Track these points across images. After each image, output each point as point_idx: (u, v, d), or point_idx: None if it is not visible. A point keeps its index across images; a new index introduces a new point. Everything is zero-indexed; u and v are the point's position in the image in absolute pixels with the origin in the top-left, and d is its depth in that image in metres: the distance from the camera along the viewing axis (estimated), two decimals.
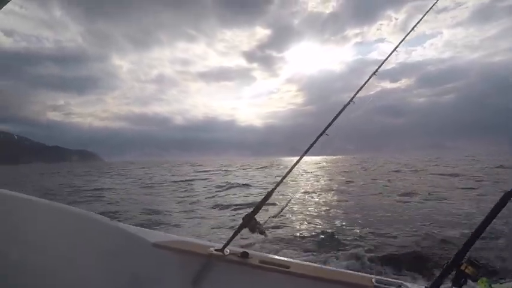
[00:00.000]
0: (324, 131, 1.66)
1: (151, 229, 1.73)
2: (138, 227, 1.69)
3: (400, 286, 1.38)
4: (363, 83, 1.80)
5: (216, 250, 1.49)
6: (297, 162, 1.65)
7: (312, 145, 1.65)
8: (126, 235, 1.60)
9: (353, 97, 1.75)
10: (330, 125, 1.67)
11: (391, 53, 2.04)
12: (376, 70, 1.91)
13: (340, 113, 1.71)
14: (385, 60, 2.03)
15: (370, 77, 1.87)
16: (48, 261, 1.59)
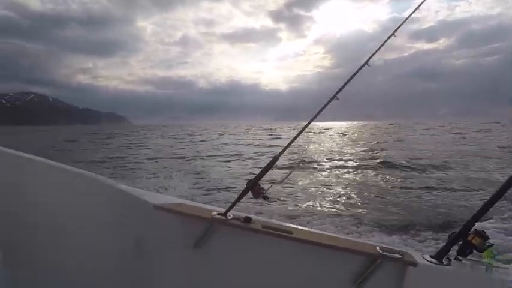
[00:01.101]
0: (334, 96, 1.52)
1: (154, 192, 1.74)
2: (141, 190, 1.69)
3: (403, 254, 1.35)
4: (382, 43, 1.59)
5: (218, 214, 1.47)
6: (305, 127, 1.54)
7: (320, 110, 1.52)
8: (129, 197, 1.60)
9: (367, 60, 1.55)
10: (341, 89, 1.52)
11: (418, 7, 1.76)
12: (394, 32, 1.66)
13: (353, 76, 1.54)
14: (408, 17, 1.74)
15: (388, 38, 1.64)
16: (53, 220, 1.64)
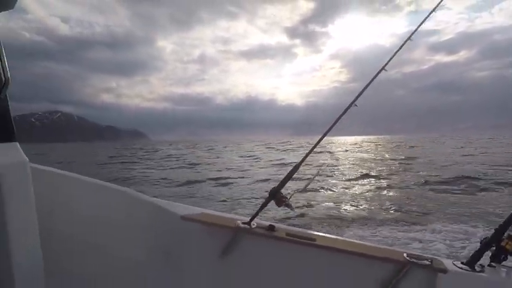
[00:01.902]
0: (353, 102, 1.53)
1: (179, 202, 1.80)
2: (167, 201, 1.76)
3: (432, 261, 1.30)
4: (398, 48, 1.60)
5: (243, 223, 1.50)
6: (324, 134, 1.55)
7: (340, 117, 1.53)
8: (157, 209, 1.67)
9: (385, 65, 1.55)
10: (359, 95, 1.53)
11: (430, 13, 1.76)
12: (411, 36, 1.66)
13: (371, 81, 1.55)
14: (422, 22, 1.75)
15: (405, 42, 1.65)
16: (90, 234, 1.73)
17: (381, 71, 1.58)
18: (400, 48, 1.64)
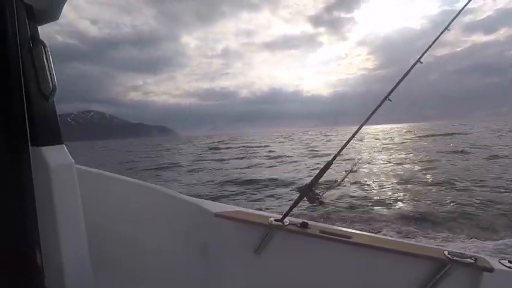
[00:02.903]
0: (386, 97, 1.46)
1: (213, 200, 1.86)
2: (201, 199, 1.83)
3: (476, 259, 1.22)
4: (435, 38, 1.50)
5: (276, 220, 1.52)
6: (357, 131, 1.51)
7: (372, 113, 1.48)
8: (191, 207, 1.73)
9: (420, 57, 1.45)
10: (393, 89, 1.46)
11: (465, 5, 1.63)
12: (450, 23, 1.54)
13: (406, 75, 1.47)
14: (463, 8, 1.62)
15: (441, 32, 1.53)
16: (131, 231, 1.84)
17: (416, 63, 1.50)
18: (437, 38, 1.54)
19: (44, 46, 1.16)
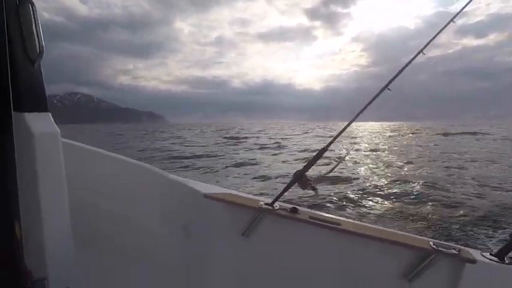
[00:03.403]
0: (386, 85, 1.45)
1: (203, 182, 1.83)
2: (191, 180, 1.80)
3: (460, 250, 1.26)
4: (438, 32, 1.50)
5: (266, 204, 1.51)
6: (354, 118, 1.50)
7: (371, 101, 1.47)
8: (181, 187, 1.71)
9: (425, 46, 1.46)
10: (394, 78, 1.45)
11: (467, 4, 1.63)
12: (455, 16, 1.54)
13: (407, 64, 1.47)
14: (466, 4, 1.63)
15: (447, 23, 1.54)
16: (116, 208, 1.79)
17: (418, 54, 1.49)
18: (442, 29, 1.54)
19: (32, 4, 1.08)
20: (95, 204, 1.77)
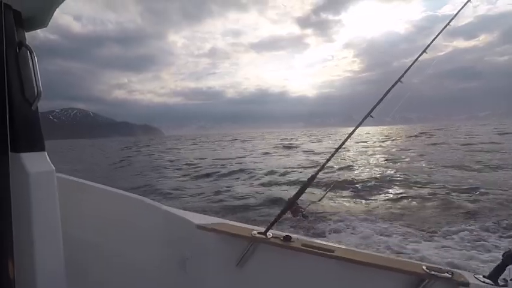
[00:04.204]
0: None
1: (195, 212, 1.83)
2: (183, 210, 1.80)
3: (452, 274, 1.26)
4: (432, 38, 1.58)
5: (259, 233, 1.51)
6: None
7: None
8: (173, 218, 1.71)
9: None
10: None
11: (465, 4, 1.73)
12: (454, 16, 1.64)
13: (385, 95, 1.50)
14: (456, 14, 1.72)
15: (447, 24, 1.64)
16: (109, 242, 1.79)
17: (396, 83, 1.54)
18: (415, 60, 1.60)
19: (31, 52, 1.13)
20: (88, 240, 1.76)
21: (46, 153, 1.22)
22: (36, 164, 1.15)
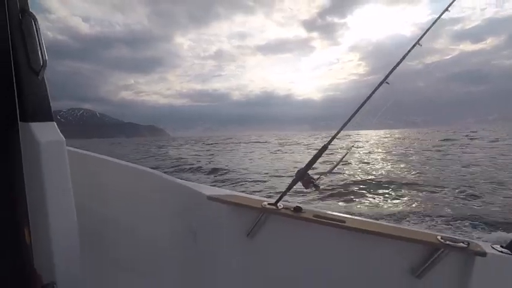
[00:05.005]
0: (384, 79, 1.45)
1: (206, 184, 1.84)
2: (194, 183, 1.82)
3: (469, 244, 1.22)
4: (433, 22, 1.53)
5: (269, 204, 1.50)
6: (352, 115, 1.51)
7: (369, 97, 1.47)
8: (184, 190, 1.72)
9: (419, 40, 1.45)
10: (391, 71, 1.44)
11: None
12: (448, 6, 1.58)
13: (404, 57, 1.47)
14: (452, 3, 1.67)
15: (440, 15, 1.57)
16: (121, 214, 1.82)
17: (414, 45, 1.50)
18: (436, 20, 1.56)
19: (34, 19, 1.12)
20: (100, 210, 1.78)
21: (55, 123, 1.23)
22: (46, 133, 1.15)
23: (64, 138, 1.22)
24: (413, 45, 1.51)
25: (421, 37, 1.52)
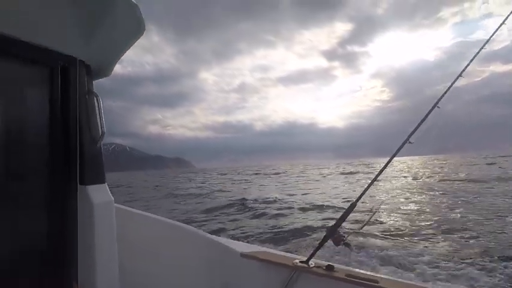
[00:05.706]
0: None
1: (239, 240, 1.90)
2: (227, 239, 1.88)
3: None
4: (480, 47, 1.59)
5: (301, 262, 1.51)
6: (385, 167, 1.52)
7: (393, 155, 1.51)
8: (218, 246, 1.77)
9: (438, 101, 1.51)
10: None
11: (499, 27, 1.75)
12: (486, 42, 1.63)
13: (426, 117, 1.53)
14: (490, 37, 1.73)
15: (480, 49, 1.63)
16: (155, 268, 1.89)
17: (433, 108, 1.55)
18: (452, 84, 1.61)
19: (97, 97, 1.36)
20: (135, 265, 1.87)
21: (106, 184, 1.40)
22: (99, 194, 1.32)
23: (112, 197, 1.39)
24: (432, 108, 1.56)
25: (463, 70, 1.59)
